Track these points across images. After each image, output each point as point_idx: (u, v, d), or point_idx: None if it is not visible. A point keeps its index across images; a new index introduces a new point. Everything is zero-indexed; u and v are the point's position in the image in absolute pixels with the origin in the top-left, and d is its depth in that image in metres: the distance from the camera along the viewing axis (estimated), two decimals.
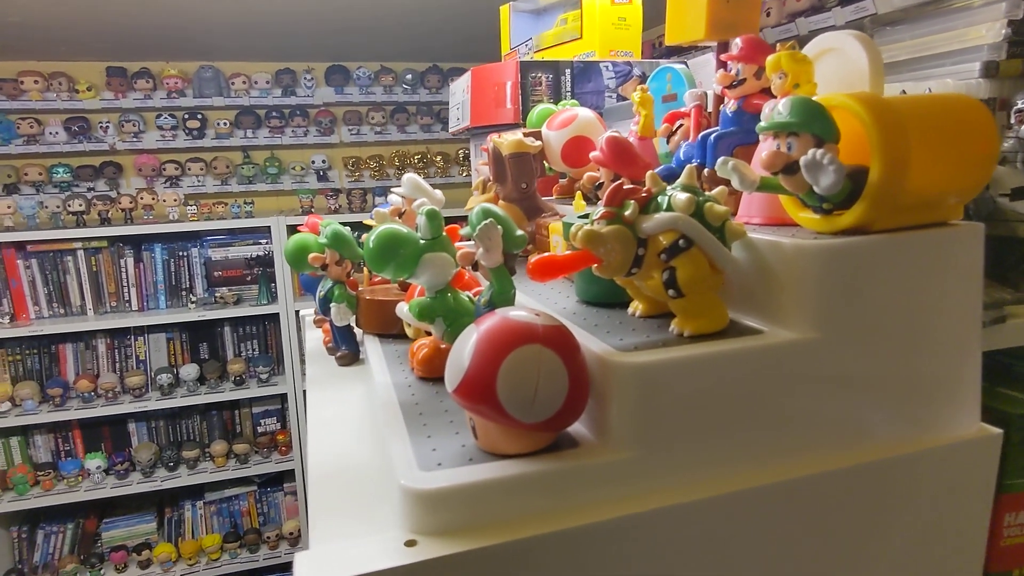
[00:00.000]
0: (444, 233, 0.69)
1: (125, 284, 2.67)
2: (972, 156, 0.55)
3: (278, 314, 2.74)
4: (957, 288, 0.56)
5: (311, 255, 0.87)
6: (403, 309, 0.71)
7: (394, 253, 0.65)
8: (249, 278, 2.78)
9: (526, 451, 0.50)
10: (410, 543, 0.45)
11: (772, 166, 0.53)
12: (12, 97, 2.65)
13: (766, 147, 0.56)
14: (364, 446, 0.64)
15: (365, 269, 0.97)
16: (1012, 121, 0.91)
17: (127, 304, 2.69)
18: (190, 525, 2.83)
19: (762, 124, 0.56)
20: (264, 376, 2.76)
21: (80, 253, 2.61)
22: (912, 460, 0.56)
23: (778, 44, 0.68)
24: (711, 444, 0.51)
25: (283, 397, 2.84)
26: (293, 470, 2.82)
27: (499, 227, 0.59)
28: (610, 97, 1.45)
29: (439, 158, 3.26)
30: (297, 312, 2.71)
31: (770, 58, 0.66)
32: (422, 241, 0.67)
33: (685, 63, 1.10)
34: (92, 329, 2.63)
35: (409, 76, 3.13)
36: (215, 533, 2.82)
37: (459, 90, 1.55)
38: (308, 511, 0.54)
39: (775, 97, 0.65)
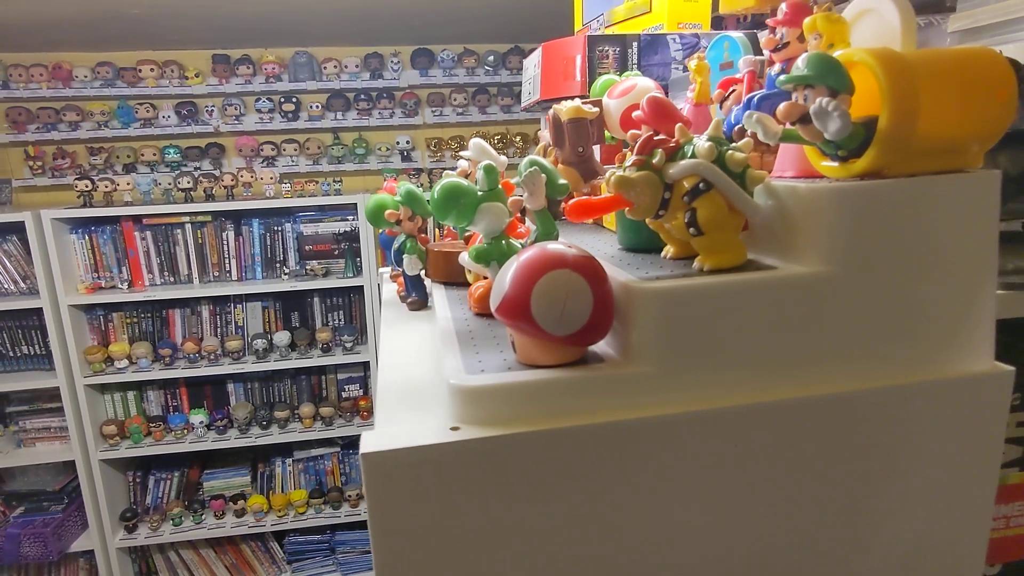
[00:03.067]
0: (500, 187, 0.78)
1: (226, 256, 2.91)
2: (987, 105, 0.58)
3: (362, 287, 2.91)
4: (970, 231, 0.59)
5: (387, 211, 0.98)
6: (464, 257, 0.80)
7: (456, 202, 0.74)
8: (336, 252, 2.97)
9: (557, 363, 0.58)
10: (454, 428, 0.54)
11: (788, 116, 0.58)
12: (131, 84, 2.93)
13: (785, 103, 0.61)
14: (425, 366, 0.74)
15: (435, 229, 1.07)
16: None
17: (228, 274, 2.93)
18: (280, 480, 3.07)
19: (782, 78, 0.61)
20: (349, 345, 2.95)
21: (188, 227, 2.86)
22: (923, 388, 0.60)
23: (815, 7, 0.72)
24: (723, 364, 0.58)
25: (365, 365, 3.02)
26: None
27: (543, 175, 0.67)
28: (677, 68, 1.48)
29: (518, 138, 3.35)
30: (379, 286, 2.88)
31: (807, 20, 0.70)
32: (480, 192, 0.75)
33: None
34: (197, 296, 2.88)
35: (491, 57, 3.22)
36: (302, 489, 3.04)
37: (531, 65, 1.63)
38: (374, 411, 0.64)
39: None
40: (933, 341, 0.61)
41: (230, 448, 2.94)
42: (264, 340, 2.91)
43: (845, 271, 0.58)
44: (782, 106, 0.59)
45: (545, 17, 2.79)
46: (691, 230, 0.59)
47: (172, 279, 2.89)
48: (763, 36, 1.29)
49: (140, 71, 2.93)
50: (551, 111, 1.04)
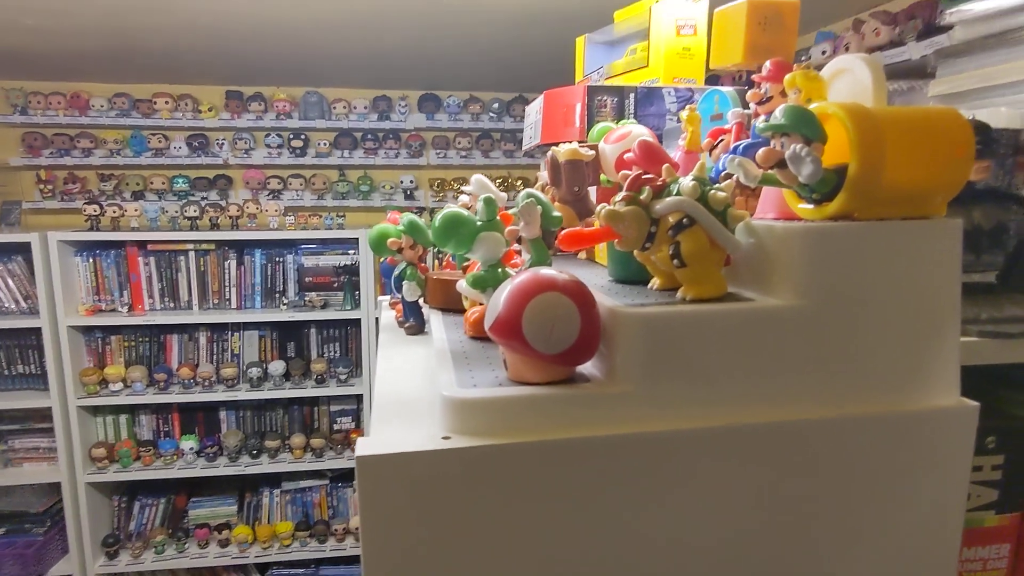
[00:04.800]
0: (498, 218, 0.82)
1: (227, 284, 2.95)
2: (948, 159, 0.63)
3: (360, 320, 2.95)
4: (934, 273, 0.64)
5: (390, 239, 1.03)
6: (461, 284, 0.85)
7: (456, 230, 0.79)
8: (336, 285, 3.02)
9: (545, 381, 0.62)
10: (446, 437, 0.58)
11: (766, 160, 0.63)
12: (146, 115, 3.02)
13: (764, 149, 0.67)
14: (419, 382, 0.77)
15: (435, 260, 1.11)
16: None
17: (227, 302, 2.97)
18: (267, 511, 3.05)
19: (761, 126, 0.66)
20: (343, 377, 2.97)
21: (191, 254, 2.91)
22: (890, 419, 0.63)
23: (795, 65, 0.78)
24: (700, 387, 0.61)
25: (359, 398, 3.03)
26: None
27: (538, 206, 0.71)
28: (671, 120, 1.56)
29: (519, 182, 3.43)
30: (377, 319, 2.92)
31: (787, 76, 0.76)
32: (479, 222, 0.80)
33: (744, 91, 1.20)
34: (196, 322, 2.92)
35: (496, 105, 3.33)
36: (288, 520, 3.02)
37: (533, 111, 1.70)
38: (370, 422, 0.67)
39: None
40: (900, 375, 0.64)
41: (218, 476, 2.92)
42: (259, 369, 2.93)
43: (817, 305, 0.62)
44: (761, 151, 0.64)
45: (547, 69, 2.90)
46: (675, 261, 0.64)
47: (172, 305, 2.93)
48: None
49: (155, 103, 3.02)
50: (550, 152, 1.10)
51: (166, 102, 3.03)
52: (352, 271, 3.00)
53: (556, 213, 0.73)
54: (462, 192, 1.11)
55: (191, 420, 3.00)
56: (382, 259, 1.21)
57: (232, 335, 2.99)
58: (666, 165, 0.68)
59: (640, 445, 0.59)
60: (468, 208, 1.08)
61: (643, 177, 0.67)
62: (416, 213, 3.30)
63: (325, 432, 3.08)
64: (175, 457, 2.90)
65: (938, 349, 0.65)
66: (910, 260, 0.63)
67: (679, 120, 1.58)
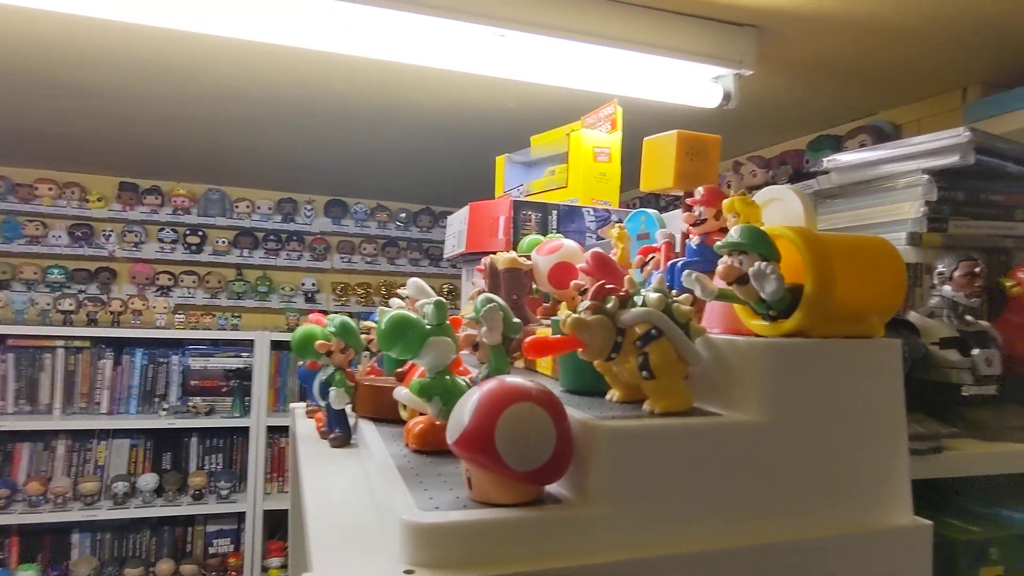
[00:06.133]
0: (448, 322, 0.79)
1: (99, 386, 2.67)
2: (886, 282, 0.68)
3: (248, 428, 2.73)
4: (880, 391, 0.66)
5: (318, 342, 0.96)
6: (402, 391, 0.79)
7: (403, 334, 0.75)
8: (225, 390, 2.80)
9: (514, 501, 0.57)
10: (408, 571, 0.51)
11: (727, 276, 0.65)
12: (24, 200, 2.79)
13: (722, 263, 0.69)
14: (361, 505, 0.70)
15: (362, 364, 1.05)
16: (935, 282, 1.07)
17: (96, 406, 2.67)
18: None
19: (720, 243, 0.68)
20: (224, 492, 2.70)
21: (60, 351, 2.63)
22: (848, 541, 0.63)
23: (731, 192, 0.83)
24: (670, 505, 0.59)
25: (241, 516, 2.75)
26: None
27: (500, 311, 0.69)
28: (591, 237, 1.62)
29: (445, 287, 3.43)
30: (268, 427, 2.71)
31: (726, 201, 0.81)
32: (428, 326, 0.76)
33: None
34: (55, 428, 2.59)
35: (403, 215, 3.36)
36: None
37: (457, 220, 1.72)
38: (309, 559, 0.59)
39: None
40: (859, 492, 0.65)
41: None
42: (126, 483, 2.61)
43: (780, 420, 0.62)
44: (721, 267, 0.66)
45: (455, 185, 2.99)
46: (644, 373, 0.63)
47: (28, 408, 2.60)
48: (668, 214, 1.45)
49: (36, 188, 2.81)
50: (488, 260, 1.10)
51: (49, 188, 2.82)
52: (244, 375, 2.80)
53: (516, 319, 0.71)
54: (396, 294, 1.08)
55: (35, 545, 2.59)
56: (301, 363, 1.13)
57: (98, 444, 2.67)
58: (628, 276, 0.69)
59: (619, 573, 0.55)
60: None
61: (607, 287, 0.67)
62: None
63: (199, 557, 2.74)
64: None
65: (890, 465, 0.66)
66: (861, 377, 0.66)
67: (599, 238, 1.65)
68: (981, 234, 1.11)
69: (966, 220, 1.10)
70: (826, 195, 1.34)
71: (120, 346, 2.70)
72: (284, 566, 2.69)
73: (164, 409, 2.69)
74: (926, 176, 1.09)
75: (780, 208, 0.88)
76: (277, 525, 2.83)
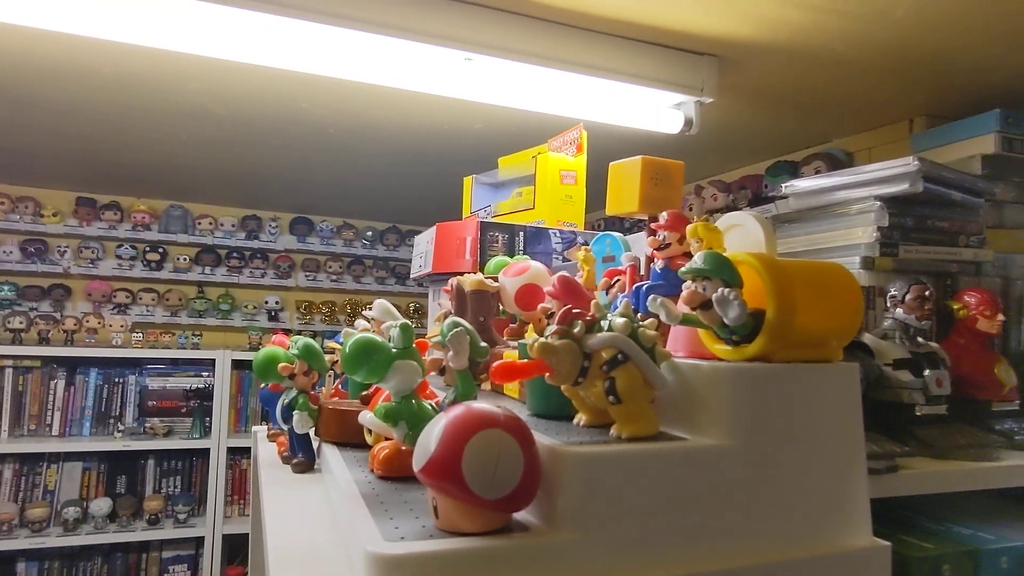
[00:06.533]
0: (414, 346, 0.79)
1: (50, 407, 2.58)
2: (843, 307, 0.70)
3: (208, 450, 2.66)
4: (840, 414, 0.68)
5: (281, 365, 0.95)
6: (367, 416, 0.79)
7: (368, 357, 0.74)
8: (184, 410, 2.73)
9: (481, 530, 0.57)
10: None
11: (691, 301, 0.67)
12: None
13: (686, 288, 0.70)
14: (322, 532, 0.69)
15: (326, 386, 1.04)
16: (888, 305, 1.10)
17: (47, 428, 2.58)
18: None
19: (683, 269, 0.70)
20: (182, 516, 2.62)
21: (8, 371, 2.53)
22: (812, 564, 0.64)
23: (695, 217, 0.85)
24: (638, 530, 0.59)
25: (199, 541, 2.67)
26: None
27: (467, 336, 0.69)
28: (557, 258, 1.63)
29: (411, 306, 3.40)
30: (229, 448, 2.65)
31: (689, 227, 0.83)
32: (394, 350, 0.76)
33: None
34: (2, 452, 2.49)
35: (369, 233, 3.34)
36: None
37: (423, 240, 1.71)
38: None
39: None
40: (820, 514, 0.66)
41: None
42: (78, 508, 2.52)
43: (746, 444, 0.64)
44: (685, 293, 0.68)
45: (422, 203, 2.98)
46: (610, 398, 0.63)
47: None
48: (633, 236, 1.47)
49: None
50: (455, 282, 1.10)
51: (1, 203, 2.74)
52: (204, 395, 2.74)
53: (483, 343, 0.71)
54: (363, 315, 1.07)
55: None
56: (263, 384, 1.11)
57: (48, 467, 2.57)
58: (595, 301, 0.69)
59: None
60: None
61: (573, 311, 0.67)
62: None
63: None
64: None
65: (849, 487, 0.68)
66: (821, 401, 0.68)
67: (565, 259, 1.67)
68: (928, 259, 1.15)
69: (915, 245, 1.14)
70: (784, 219, 1.38)
71: (74, 365, 2.62)
72: None
73: (120, 431, 2.61)
74: (878, 203, 1.13)
75: (741, 234, 0.90)
76: (237, 550, 2.75)
